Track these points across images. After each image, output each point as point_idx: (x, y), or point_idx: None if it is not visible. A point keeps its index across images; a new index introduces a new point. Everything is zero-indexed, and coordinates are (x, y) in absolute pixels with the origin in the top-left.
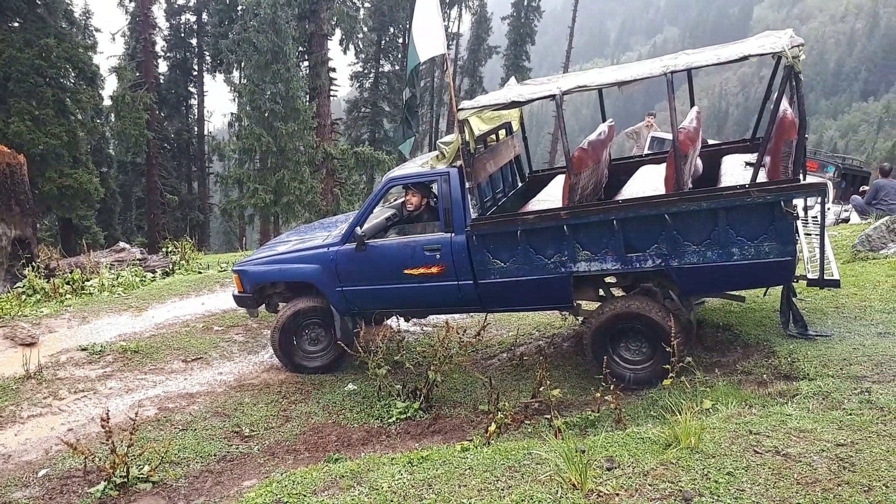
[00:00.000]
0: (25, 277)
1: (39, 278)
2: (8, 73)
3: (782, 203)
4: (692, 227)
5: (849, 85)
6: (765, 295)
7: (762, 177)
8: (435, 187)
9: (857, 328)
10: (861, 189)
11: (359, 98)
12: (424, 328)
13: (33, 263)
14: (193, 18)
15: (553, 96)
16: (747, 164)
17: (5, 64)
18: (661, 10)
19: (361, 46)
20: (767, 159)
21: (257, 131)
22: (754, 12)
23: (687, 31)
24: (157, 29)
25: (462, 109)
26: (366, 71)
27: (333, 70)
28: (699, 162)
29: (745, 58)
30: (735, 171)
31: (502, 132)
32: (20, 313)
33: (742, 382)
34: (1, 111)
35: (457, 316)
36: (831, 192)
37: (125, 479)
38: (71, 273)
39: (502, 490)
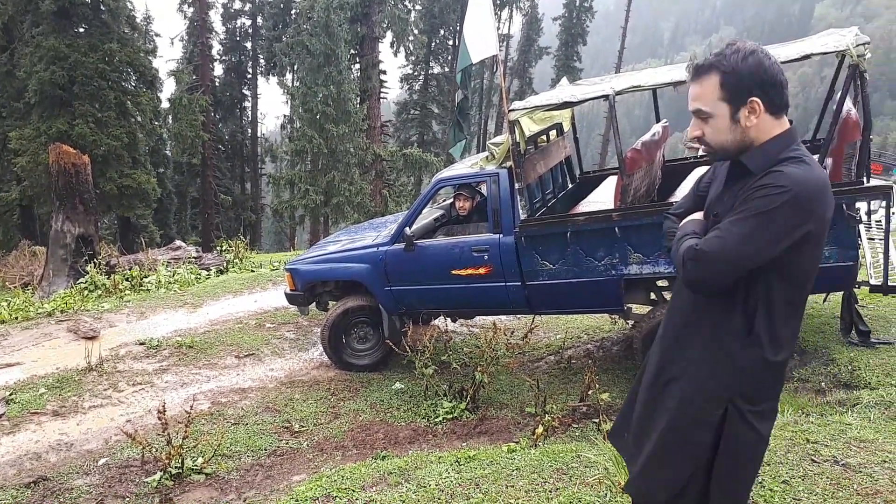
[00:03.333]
0: (88, 273)
1: (101, 274)
2: (73, 76)
3: (844, 206)
4: None
5: None
6: (824, 301)
7: None
8: (484, 188)
9: None
10: None
11: (408, 100)
12: (471, 329)
13: (95, 260)
14: (248, 23)
15: (606, 96)
16: None
17: (71, 68)
18: (717, 10)
19: (412, 49)
20: (829, 161)
21: (309, 133)
22: (815, 10)
23: (744, 30)
24: (214, 33)
25: (513, 110)
26: (415, 73)
27: (384, 73)
28: None
29: (806, 56)
30: None
31: (553, 133)
32: (83, 308)
33: (799, 390)
34: (66, 114)
35: (504, 317)
36: None
37: (180, 470)
38: (130, 270)
39: (550, 491)
